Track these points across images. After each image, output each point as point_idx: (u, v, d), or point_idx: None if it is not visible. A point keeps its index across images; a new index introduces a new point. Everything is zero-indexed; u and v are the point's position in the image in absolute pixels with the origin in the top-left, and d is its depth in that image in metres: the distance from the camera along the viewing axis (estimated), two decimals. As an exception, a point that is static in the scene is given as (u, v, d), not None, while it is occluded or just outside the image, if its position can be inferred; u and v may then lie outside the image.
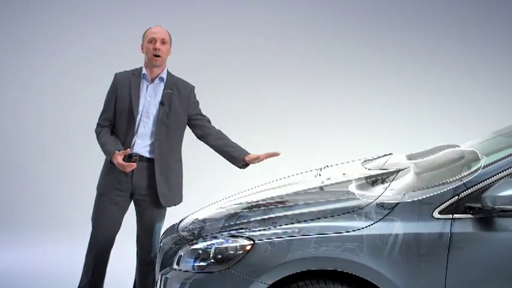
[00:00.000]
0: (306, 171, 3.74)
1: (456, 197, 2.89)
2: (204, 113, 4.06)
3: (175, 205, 3.95)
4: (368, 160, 3.75)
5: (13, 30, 6.63)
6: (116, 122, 3.88)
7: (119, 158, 3.71)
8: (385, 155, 3.79)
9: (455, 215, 2.88)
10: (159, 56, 3.83)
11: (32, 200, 6.41)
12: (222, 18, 6.89)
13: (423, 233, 2.87)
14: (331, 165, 3.79)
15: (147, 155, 3.84)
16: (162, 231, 3.81)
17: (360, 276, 2.89)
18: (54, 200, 6.37)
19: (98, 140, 3.90)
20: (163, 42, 3.86)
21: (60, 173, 6.53)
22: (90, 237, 3.90)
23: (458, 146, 3.62)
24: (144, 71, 3.91)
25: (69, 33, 6.66)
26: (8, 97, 6.63)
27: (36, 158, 6.58)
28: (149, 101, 3.86)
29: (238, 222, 3.12)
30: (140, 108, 3.83)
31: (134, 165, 3.74)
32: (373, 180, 3.31)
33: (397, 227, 2.89)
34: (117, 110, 3.87)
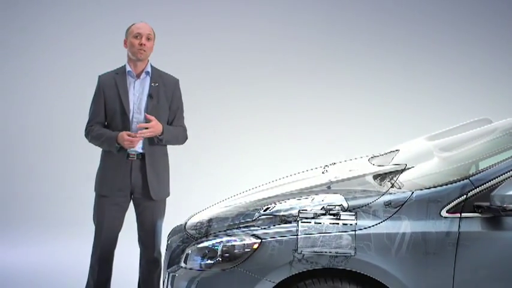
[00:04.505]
0: (312, 169, 3.84)
1: (464, 196, 3.00)
2: (184, 114, 4.18)
3: (163, 198, 4.10)
4: (375, 156, 3.86)
5: (12, 31, 6.75)
6: (109, 124, 4.01)
7: (125, 136, 3.84)
8: (391, 151, 3.89)
9: (463, 214, 2.99)
10: (144, 51, 3.95)
11: (36, 199, 6.55)
12: (219, 16, 7.00)
13: (431, 231, 2.97)
14: (338, 162, 3.90)
15: (141, 150, 3.98)
16: (163, 230, 3.95)
17: (368, 275, 3.00)
18: (60, 199, 6.51)
19: (92, 136, 4.01)
20: (148, 38, 3.98)
21: (65, 172, 6.66)
22: (94, 238, 4.05)
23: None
24: (128, 68, 4.03)
25: (70, 34, 6.79)
26: (11, 97, 6.76)
27: (40, 156, 6.70)
28: (138, 96, 3.99)
29: (244, 220, 3.23)
30: (131, 106, 3.96)
31: (139, 138, 3.88)
32: (381, 177, 3.41)
33: (405, 226, 3.00)
34: (108, 113, 4.00)
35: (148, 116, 3.90)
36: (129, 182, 3.96)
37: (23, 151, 6.69)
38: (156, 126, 3.89)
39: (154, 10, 6.73)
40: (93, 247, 4.06)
